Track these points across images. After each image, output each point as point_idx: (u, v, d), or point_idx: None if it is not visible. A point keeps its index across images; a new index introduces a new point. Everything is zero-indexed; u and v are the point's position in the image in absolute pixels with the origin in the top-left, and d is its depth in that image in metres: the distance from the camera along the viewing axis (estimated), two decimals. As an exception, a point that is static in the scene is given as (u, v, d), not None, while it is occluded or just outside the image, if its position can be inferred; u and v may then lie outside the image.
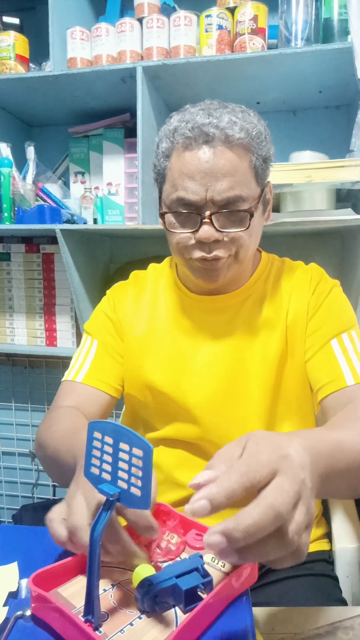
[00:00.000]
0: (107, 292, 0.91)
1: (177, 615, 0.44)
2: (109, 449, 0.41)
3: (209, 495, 0.35)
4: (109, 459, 0.41)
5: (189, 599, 0.41)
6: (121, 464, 0.41)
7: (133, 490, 0.40)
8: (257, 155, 0.70)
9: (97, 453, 0.42)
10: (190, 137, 0.68)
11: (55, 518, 0.49)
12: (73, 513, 0.47)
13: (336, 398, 0.71)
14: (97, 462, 0.42)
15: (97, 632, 0.41)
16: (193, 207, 0.70)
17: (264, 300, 0.81)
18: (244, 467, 0.37)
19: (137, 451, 0.38)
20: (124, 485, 0.40)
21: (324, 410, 0.74)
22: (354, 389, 0.70)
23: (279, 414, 0.80)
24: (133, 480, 0.40)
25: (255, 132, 0.69)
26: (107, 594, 0.47)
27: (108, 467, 0.41)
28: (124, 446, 0.40)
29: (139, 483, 0.39)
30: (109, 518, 0.42)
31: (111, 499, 0.41)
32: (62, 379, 0.83)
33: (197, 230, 0.70)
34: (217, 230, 0.69)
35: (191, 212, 0.70)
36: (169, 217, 0.73)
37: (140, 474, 0.39)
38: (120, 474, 0.40)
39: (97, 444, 0.42)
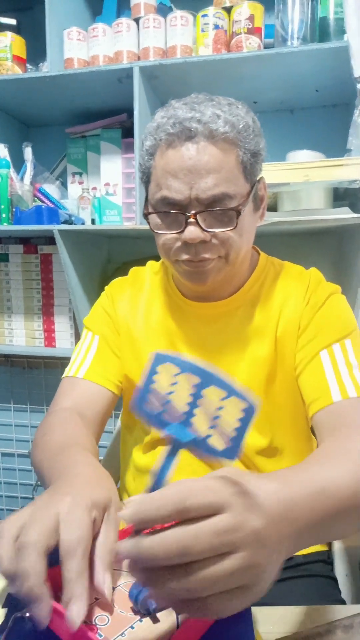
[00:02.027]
0: (106, 288, 0.89)
1: (178, 616, 0.44)
2: (188, 389, 0.37)
3: (135, 508, 0.33)
4: (184, 399, 0.37)
5: None
6: (202, 409, 0.37)
7: (211, 441, 0.36)
8: (244, 149, 0.66)
9: (160, 389, 0.38)
10: (172, 134, 0.64)
11: (5, 535, 0.40)
12: (29, 527, 0.39)
13: (323, 416, 0.66)
14: (156, 399, 0.38)
15: (97, 635, 0.41)
16: (178, 206, 0.66)
17: (256, 306, 0.77)
18: (186, 488, 0.33)
19: (237, 402, 0.35)
20: (201, 433, 0.37)
21: (314, 428, 0.69)
22: (341, 405, 0.65)
23: (273, 428, 0.77)
24: (216, 430, 0.36)
25: (242, 124, 0.65)
26: (107, 595, 0.47)
27: (178, 408, 0.37)
28: (214, 391, 0.37)
29: (231, 435, 0.36)
30: (173, 465, 0.39)
31: (184, 443, 0.37)
32: (63, 375, 0.81)
33: (182, 231, 0.66)
34: (203, 230, 0.65)
35: (176, 212, 0.66)
36: (154, 218, 0.69)
37: (236, 425, 0.35)
38: (197, 419, 0.37)
39: (164, 378, 0.38)
